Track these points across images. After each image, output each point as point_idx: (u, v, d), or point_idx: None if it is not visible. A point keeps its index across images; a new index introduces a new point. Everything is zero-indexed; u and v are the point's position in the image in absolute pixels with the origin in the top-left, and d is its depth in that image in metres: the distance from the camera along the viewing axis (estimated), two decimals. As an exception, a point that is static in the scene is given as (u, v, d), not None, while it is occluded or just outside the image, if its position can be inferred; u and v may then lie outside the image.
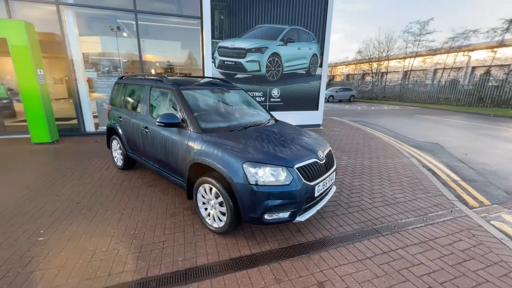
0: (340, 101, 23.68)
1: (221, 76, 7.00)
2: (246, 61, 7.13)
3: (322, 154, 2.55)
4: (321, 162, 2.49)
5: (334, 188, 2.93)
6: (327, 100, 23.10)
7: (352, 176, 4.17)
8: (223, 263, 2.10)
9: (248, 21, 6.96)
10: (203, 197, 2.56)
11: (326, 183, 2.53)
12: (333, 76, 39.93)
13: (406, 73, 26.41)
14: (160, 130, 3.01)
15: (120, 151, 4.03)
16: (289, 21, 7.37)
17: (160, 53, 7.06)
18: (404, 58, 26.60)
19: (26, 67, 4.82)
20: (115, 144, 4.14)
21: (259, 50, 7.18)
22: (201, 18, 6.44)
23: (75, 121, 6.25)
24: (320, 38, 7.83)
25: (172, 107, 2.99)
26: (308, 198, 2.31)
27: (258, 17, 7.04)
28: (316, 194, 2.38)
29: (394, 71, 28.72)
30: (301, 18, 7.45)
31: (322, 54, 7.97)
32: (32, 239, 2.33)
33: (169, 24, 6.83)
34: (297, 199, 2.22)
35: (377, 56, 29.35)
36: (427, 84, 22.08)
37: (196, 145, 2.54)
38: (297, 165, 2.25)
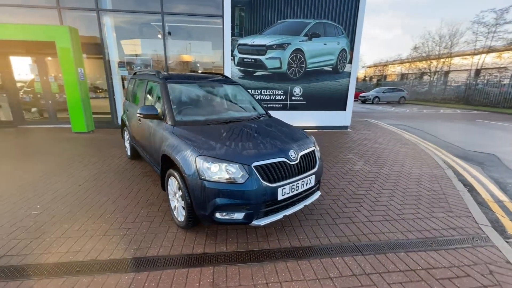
0: (388, 103, 21.48)
1: (240, 74, 7.00)
2: (266, 58, 6.97)
3: (294, 154, 2.28)
4: (291, 163, 2.22)
5: (317, 194, 2.61)
6: (372, 102, 21.21)
7: (359, 184, 3.67)
8: (170, 258, 2.05)
9: (270, 17, 6.79)
10: (171, 189, 2.55)
11: (297, 186, 2.25)
12: (384, 76, 36.45)
13: (474, 72, 22.41)
14: (146, 121, 3.12)
15: (128, 142, 4.36)
16: (315, 14, 6.93)
17: (185, 53, 7.42)
18: (473, 54, 22.59)
19: (68, 66, 5.62)
20: (126, 135, 4.49)
21: (281, 46, 6.94)
22: (222, 16, 6.53)
23: (110, 115, 7.05)
24: (351, 31, 7.16)
25: (159, 99, 3.07)
26: (267, 201, 2.08)
27: (280, 12, 6.80)
28: (280, 198, 2.13)
29: (458, 70, 24.67)
30: (329, 10, 6.94)
31: (352, 49, 7.29)
32: (27, 212, 2.67)
33: (194, 25, 7.14)
34: (252, 200, 2.02)
35: (437, 52, 25.66)
36: (503, 84, 18.26)
37: (167, 137, 2.54)
38: (255, 163, 2.05)
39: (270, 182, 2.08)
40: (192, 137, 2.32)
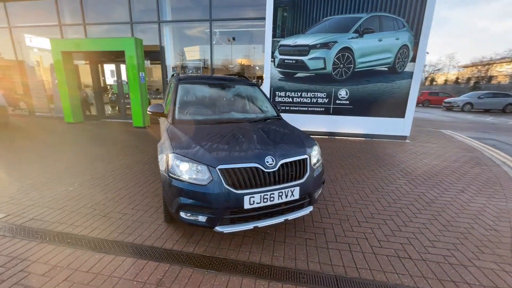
0: (486, 111, 17.12)
1: (279, 76, 6.83)
2: (309, 59, 6.57)
3: (272, 161, 2.04)
4: (266, 170, 2.00)
5: (307, 209, 2.28)
6: (461, 109, 17.36)
7: (385, 206, 3.02)
8: (140, 247, 2.14)
9: (314, 14, 6.37)
10: (163, 183, 2.68)
11: (272, 197, 2.01)
12: (488, 77, 29.17)
13: None
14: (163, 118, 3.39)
15: (162, 137, 4.85)
16: (369, 7, 6.12)
17: (230, 57, 7.77)
18: None
19: (132, 71, 6.71)
20: (161, 130, 5.03)
21: (325, 45, 6.42)
22: (265, 18, 6.54)
23: (165, 112, 8.04)
24: (415, 24, 6.01)
25: None
26: (231, 208, 1.94)
27: (327, 9, 6.30)
28: (248, 207, 1.95)
29: None
30: (387, 0, 6.00)
31: (416, 44, 6.10)
32: (66, 188, 3.29)
33: (240, 29, 7.40)
34: (213, 204, 1.92)
35: None
36: None
37: (162, 134, 2.69)
38: (221, 166, 1.94)
39: (235, 188, 1.93)
40: (179, 135, 2.38)
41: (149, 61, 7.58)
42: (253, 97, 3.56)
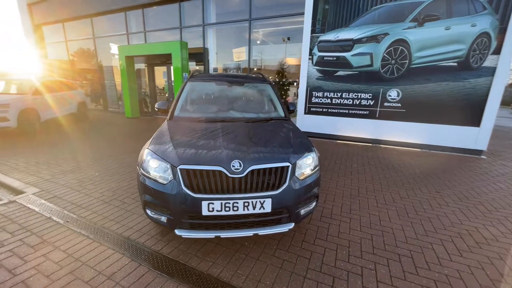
0: None
1: (317, 75, 6.27)
2: (352, 55, 5.81)
3: (239, 166, 1.80)
4: (230, 175, 1.78)
5: (285, 226, 1.95)
6: None
7: (410, 239, 2.35)
8: (116, 237, 2.20)
9: (361, 4, 5.57)
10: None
11: (236, 206, 1.77)
12: None
13: None
14: None
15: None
16: (434, -10, 4.98)
17: (267, 56, 7.58)
18: None
19: (177, 72, 7.29)
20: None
21: (373, 38, 5.55)
22: (304, 13, 6.11)
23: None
24: (502, 3, 4.58)
25: None
26: (189, 212, 1.79)
27: (377, -4, 5.43)
28: (206, 213, 1.76)
29: None
30: (460, -21, 4.76)
31: (503, 31, 4.65)
32: (93, 173, 3.75)
33: (280, 27, 7.14)
34: (171, 205, 1.81)
35: None
36: None
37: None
38: (182, 167, 1.81)
39: (193, 191, 1.77)
40: (164, 132, 2.37)
41: (194, 63, 8.13)
42: (261, 96, 3.32)
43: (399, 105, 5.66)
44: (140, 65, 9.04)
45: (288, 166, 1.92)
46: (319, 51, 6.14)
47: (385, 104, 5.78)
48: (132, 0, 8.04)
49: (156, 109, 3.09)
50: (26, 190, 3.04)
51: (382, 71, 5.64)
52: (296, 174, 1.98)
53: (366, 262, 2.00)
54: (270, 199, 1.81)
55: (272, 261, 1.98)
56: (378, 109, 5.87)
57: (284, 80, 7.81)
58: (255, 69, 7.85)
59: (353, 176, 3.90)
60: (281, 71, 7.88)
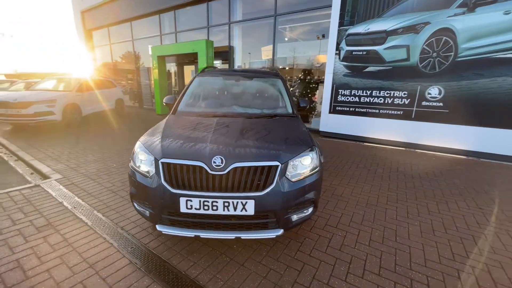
0: None
1: (345, 71, 5.79)
2: (385, 48, 5.21)
3: (220, 162, 1.66)
4: (211, 172, 1.65)
5: (272, 232, 1.76)
6: None
7: (430, 262, 1.96)
8: (112, 226, 2.25)
9: (397, -9, 4.97)
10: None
11: (215, 206, 1.64)
12: None
13: None
14: None
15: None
16: (491, -33, 4.18)
17: (293, 54, 7.26)
18: None
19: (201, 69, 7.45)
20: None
21: (411, 29, 4.90)
22: (331, 5, 5.69)
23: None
24: None
25: None
26: (167, 207, 1.71)
27: (417, -19, 4.76)
28: (184, 210, 1.67)
29: None
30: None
31: None
32: (111, 164, 3.97)
33: (306, 23, 6.79)
34: (151, 199, 1.76)
35: None
36: None
37: (161, 123, 2.75)
38: (164, 160, 1.74)
39: (172, 186, 1.69)
40: (161, 125, 2.35)
41: (220, 61, 8.23)
42: (270, 91, 3.14)
43: (441, 104, 4.91)
44: (172, 65, 9.51)
45: (277, 166, 1.72)
46: (347, 45, 5.66)
47: (423, 103, 5.07)
48: (165, 2, 8.46)
49: (164, 104, 3.12)
50: (52, 176, 3.34)
51: (420, 66, 4.96)
52: (289, 175, 1.76)
53: (367, 283, 1.69)
54: (253, 201, 1.64)
55: (257, 269, 1.80)
56: (414, 109, 5.18)
57: (309, 77, 7.43)
58: (280, 66, 7.63)
59: (374, 182, 3.47)
60: (308, 69, 7.51)
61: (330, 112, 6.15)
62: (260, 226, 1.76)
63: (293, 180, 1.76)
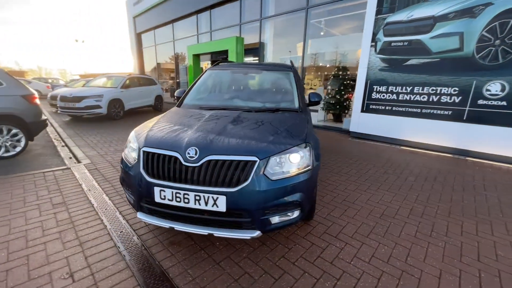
0: None
1: (381, 65, 5.15)
2: (432, 37, 4.46)
3: (194, 154, 1.59)
4: (184, 163, 1.59)
5: (248, 233, 1.62)
6: None
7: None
8: (110, 208, 2.39)
9: (450, -32, 4.17)
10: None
11: (187, 198, 1.58)
12: None
13: None
14: None
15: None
16: None
17: (326, 49, 6.77)
18: None
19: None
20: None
21: (467, 12, 4.08)
22: (369, -8, 5.12)
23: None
24: None
25: None
26: (144, 195, 1.71)
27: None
28: (158, 200, 1.65)
29: None
30: None
31: None
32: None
33: (339, 15, 6.26)
34: (132, 186, 1.79)
35: None
36: None
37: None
38: (145, 149, 1.75)
39: (149, 175, 1.68)
40: (160, 117, 2.38)
41: (252, 58, 8.21)
42: (279, 84, 2.95)
43: (504, 103, 4.00)
44: (209, 63, 9.89)
45: (254, 161, 1.57)
46: (386, 35, 5.03)
47: (480, 102, 4.20)
48: (202, 2, 8.81)
49: (176, 97, 3.20)
50: (83, 161, 3.75)
51: (477, 57, 4.11)
52: (270, 172, 1.60)
53: None
54: (224, 197, 1.53)
55: (232, 270, 1.69)
56: (466, 108, 4.33)
57: (344, 74, 6.87)
58: (312, 62, 7.24)
59: (400, 191, 3.00)
60: (343, 65, 6.96)
61: (362, 111, 5.58)
62: (233, 224, 1.63)
63: (273, 178, 1.59)
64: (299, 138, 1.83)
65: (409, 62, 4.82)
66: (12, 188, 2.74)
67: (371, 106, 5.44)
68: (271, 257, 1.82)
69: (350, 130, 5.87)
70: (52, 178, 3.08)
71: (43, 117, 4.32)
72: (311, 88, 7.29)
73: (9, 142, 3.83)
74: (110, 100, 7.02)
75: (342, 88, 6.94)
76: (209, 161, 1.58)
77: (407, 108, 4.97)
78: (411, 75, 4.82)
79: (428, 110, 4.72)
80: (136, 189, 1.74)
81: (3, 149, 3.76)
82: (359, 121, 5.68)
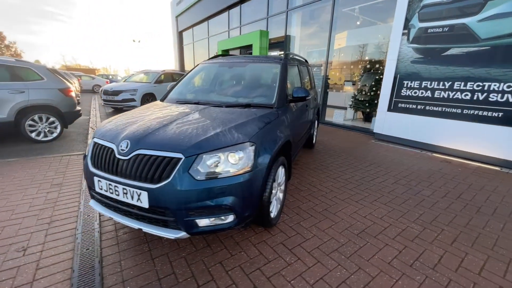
0: None
1: (415, 56, 4.37)
2: (480, 20, 3.57)
3: (125, 147, 1.58)
4: (117, 156, 1.61)
5: (172, 233, 1.56)
6: None
7: None
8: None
9: None
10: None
11: (117, 191, 1.60)
12: None
13: None
14: None
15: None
16: None
17: (353, 42, 6.04)
18: None
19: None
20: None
21: (532, -15, 3.12)
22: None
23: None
24: None
25: None
26: (89, 184, 1.79)
27: None
28: (98, 190, 1.71)
29: None
30: None
31: None
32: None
33: (369, 2, 5.50)
34: (84, 174, 1.89)
35: None
36: None
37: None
38: (95, 139, 1.82)
39: (92, 164, 1.75)
40: (133, 110, 2.46)
41: (278, 52, 7.93)
42: (261, 78, 2.77)
43: None
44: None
45: (179, 159, 1.49)
46: (421, 20, 4.25)
47: (545, 101, 3.22)
48: (232, -3, 8.87)
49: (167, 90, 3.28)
50: (99, 147, 4.18)
51: (545, 42, 3.14)
52: (199, 171, 1.50)
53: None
54: (146, 193, 1.49)
55: (162, 268, 1.65)
56: (525, 109, 3.37)
57: (376, 68, 6.10)
58: (340, 55, 6.61)
59: (401, 207, 2.52)
60: (375, 59, 6.19)
61: (389, 110, 4.87)
62: (160, 222, 1.58)
63: (198, 178, 1.48)
64: (242, 137, 1.66)
65: (449, 52, 3.98)
66: (31, 168, 3.22)
67: (399, 105, 4.70)
68: (207, 261, 1.72)
69: (374, 131, 5.20)
70: (66, 162, 3.51)
71: (77, 108, 4.98)
72: (335, 84, 6.70)
73: (47, 129, 4.52)
74: (143, 94, 7.68)
75: (373, 84, 6.18)
76: (138, 155, 1.56)
77: (444, 108, 4.13)
78: (451, 67, 3.98)
79: (472, 111, 3.84)
80: (86, 177, 1.84)
81: (42, 134, 4.46)
82: (384, 121, 4.98)
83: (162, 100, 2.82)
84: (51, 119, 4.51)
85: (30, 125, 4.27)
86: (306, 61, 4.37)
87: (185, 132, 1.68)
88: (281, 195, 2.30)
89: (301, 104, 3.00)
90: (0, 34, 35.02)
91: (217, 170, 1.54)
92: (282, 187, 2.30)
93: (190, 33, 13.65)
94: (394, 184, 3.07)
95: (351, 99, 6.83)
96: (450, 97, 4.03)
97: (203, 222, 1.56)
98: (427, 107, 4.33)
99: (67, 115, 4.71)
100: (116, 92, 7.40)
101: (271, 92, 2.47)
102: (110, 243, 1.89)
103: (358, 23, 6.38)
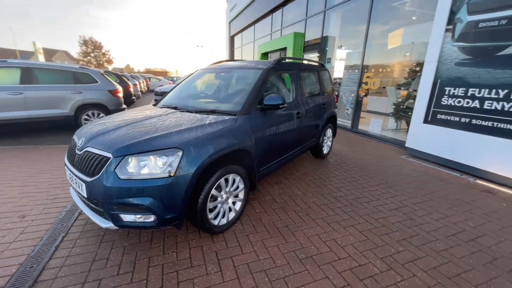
0: None
1: (460, 56, 3.51)
2: (555, 7, 2.61)
3: (80, 144, 1.89)
4: (76, 150, 1.92)
5: (102, 223, 1.79)
6: None
7: None
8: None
9: None
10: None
11: (75, 182, 1.90)
12: None
13: None
14: None
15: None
16: None
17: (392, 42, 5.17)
18: None
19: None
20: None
21: None
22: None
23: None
24: None
25: None
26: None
27: None
28: (67, 177, 2.06)
29: None
30: None
31: None
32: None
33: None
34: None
35: None
36: None
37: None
38: (74, 136, 2.20)
39: (66, 155, 2.12)
40: (125, 111, 2.81)
41: (316, 54, 7.53)
42: (239, 85, 2.76)
43: None
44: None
45: (108, 158, 1.68)
46: (470, 13, 3.40)
47: None
48: (275, 0, 8.85)
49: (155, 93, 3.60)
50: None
51: None
52: (125, 170, 1.65)
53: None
54: (84, 185, 1.74)
55: (101, 253, 1.88)
56: None
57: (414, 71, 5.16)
58: (380, 56, 5.85)
59: (382, 239, 2.14)
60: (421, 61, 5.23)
61: (425, 122, 4.07)
62: (97, 211, 1.81)
63: (121, 177, 1.63)
64: (172, 143, 1.74)
65: (506, 51, 3.07)
66: (44, 156, 3.94)
67: (438, 116, 3.88)
68: (140, 254, 1.87)
69: (406, 145, 4.43)
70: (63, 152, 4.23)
71: (123, 106, 5.93)
72: (369, 89, 5.96)
73: (98, 122, 5.55)
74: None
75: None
76: (86, 151, 1.82)
77: (496, 123, 3.21)
78: (508, 71, 3.06)
79: (536, 129, 2.87)
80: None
81: (94, 126, 5.50)
82: (419, 135, 4.18)
83: (155, 105, 3.11)
84: (101, 115, 5.51)
85: (85, 119, 5.34)
86: (322, 65, 4.09)
87: (128, 135, 1.86)
88: (238, 204, 2.27)
89: (286, 113, 2.84)
90: (99, 44, 44.56)
91: (142, 171, 1.66)
92: (241, 196, 2.27)
93: (240, 37, 14.33)
94: (392, 210, 2.60)
95: (393, 107, 5.96)
96: (505, 109, 3.10)
97: (128, 217, 1.70)
98: (474, 121, 3.44)
99: (114, 112, 5.67)
100: (162, 93, 8.45)
101: (241, 99, 2.45)
102: (81, 223, 2.24)
103: (409, 19, 5.51)
